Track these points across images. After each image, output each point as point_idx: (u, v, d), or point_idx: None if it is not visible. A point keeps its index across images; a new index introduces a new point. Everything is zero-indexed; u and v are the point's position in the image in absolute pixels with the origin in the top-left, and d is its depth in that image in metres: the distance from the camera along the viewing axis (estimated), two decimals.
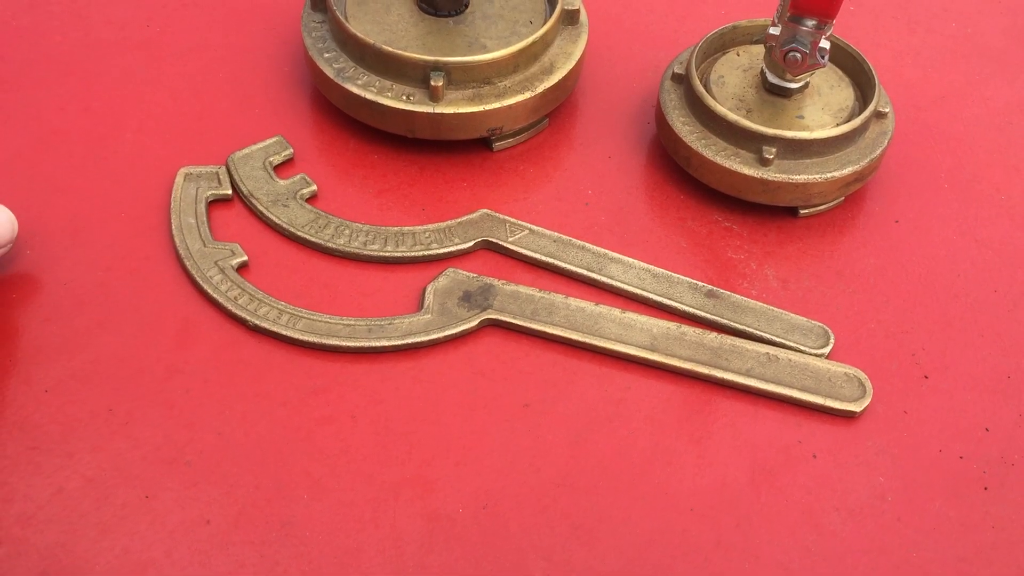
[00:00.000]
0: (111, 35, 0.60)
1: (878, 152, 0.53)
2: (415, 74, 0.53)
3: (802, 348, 0.48)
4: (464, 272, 0.50)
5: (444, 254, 0.51)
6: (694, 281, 0.51)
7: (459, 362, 0.48)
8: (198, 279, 0.48)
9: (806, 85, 0.54)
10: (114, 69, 0.58)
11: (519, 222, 0.52)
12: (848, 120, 0.54)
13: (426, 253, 0.51)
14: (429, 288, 0.49)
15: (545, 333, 0.48)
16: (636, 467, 0.45)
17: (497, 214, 0.53)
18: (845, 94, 0.55)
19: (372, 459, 0.44)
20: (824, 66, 0.51)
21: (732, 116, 0.52)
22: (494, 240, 0.52)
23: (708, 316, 0.49)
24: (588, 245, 0.52)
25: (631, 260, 0.52)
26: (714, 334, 0.49)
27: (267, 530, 0.41)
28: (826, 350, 0.48)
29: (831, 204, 0.55)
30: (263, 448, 0.44)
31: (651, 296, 0.50)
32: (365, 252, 0.51)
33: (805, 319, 0.50)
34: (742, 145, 0.53)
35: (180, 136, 0.55)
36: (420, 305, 0.49)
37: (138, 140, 0.55)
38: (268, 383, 0.46)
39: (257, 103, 0.58)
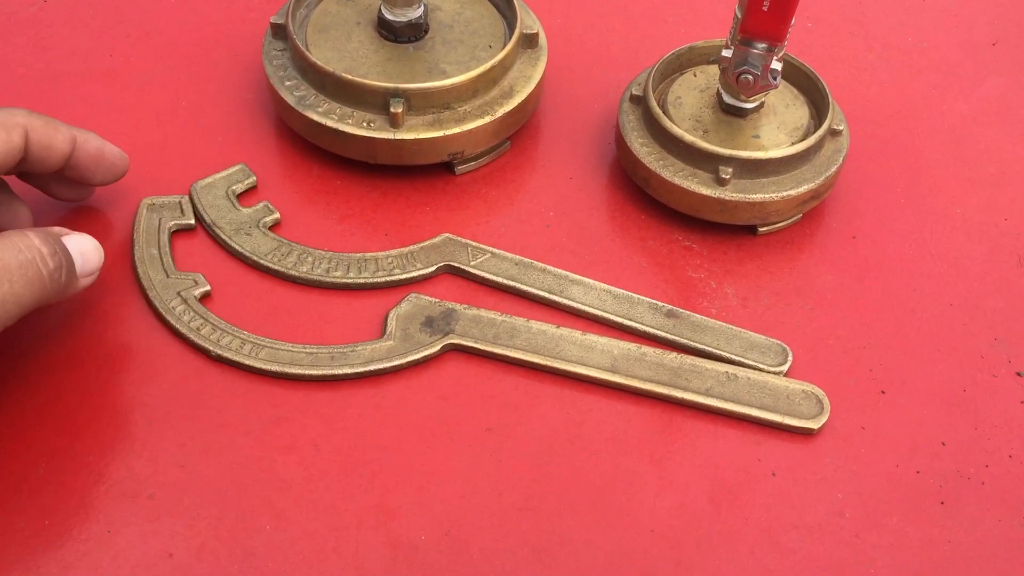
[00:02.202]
0: (74, 66, 0.60)
1: (833, 169, 0.54)
2: (375, 101, 0.54)
3: (761, 366, 0.49)
4: (426, 297, 0.50)
5: (407, 279, 0.52)
6: (654, 301, 0.51)
7: (422, 388, 0.48)
8: (161, 310, 0.49)
9: (761, 105, 0.55)
10: (78, 100, 0.59)
11: (481, 246, 0.53)
12: (803, 139, 0.54)
13: (388, 279, 0.51)
14: (391, 314, 0.50)
15: (507, 357, 0.49)
16: (597, 489, 0.45)
17: (459, 238, 0.53)
18: (800, 112, 0.56)
19: (335, 488, 0.44)
20: (777, 87, 0.52)
21: (689, 137, 0.53)
22: (456, 264, 0.52)
23: (668, 336, 0.50)
24: (549, 268, 0.52)
25: (592, 282, 0.52)
26: (674, 354, 0.49)
27: (230, 562, 0.42)
28: (784, 368, 0.49)
29: (789, 221, 0.55)
30: (226, 479, 0.44)
31: (612, 317, 0.51)
32: (328, 279, 0.51)
33: (764, 337, 0.50)
34: (699, 165, 0.53)
35: (143, 166, 0.55)
36: (383, 331, 0.49)
37: None
38: (231, 413, 0.46)
39: (220, 131, 0.58)
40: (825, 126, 0.54)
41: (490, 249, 0.53)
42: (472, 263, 0.52)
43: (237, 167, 0.55)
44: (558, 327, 0.50)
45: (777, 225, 0.55)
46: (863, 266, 0.54)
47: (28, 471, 0.44)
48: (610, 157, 0.59)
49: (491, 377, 0.49)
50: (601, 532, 0.43)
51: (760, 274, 0.54)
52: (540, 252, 0.53)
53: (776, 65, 0.51)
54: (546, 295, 0.51)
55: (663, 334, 0.50)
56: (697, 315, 0.51)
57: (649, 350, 0.49)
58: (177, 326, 0.48)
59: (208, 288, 0.50)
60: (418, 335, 0.49)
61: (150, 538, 0.42)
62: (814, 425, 0.47)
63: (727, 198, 0.53)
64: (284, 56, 0.57)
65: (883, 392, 0.49)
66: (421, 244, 0.53)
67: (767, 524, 0.44)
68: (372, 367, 0.48)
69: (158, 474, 0.44)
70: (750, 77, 0.51)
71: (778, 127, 0.55)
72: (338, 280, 0.51)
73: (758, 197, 0.53)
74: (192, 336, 0.48)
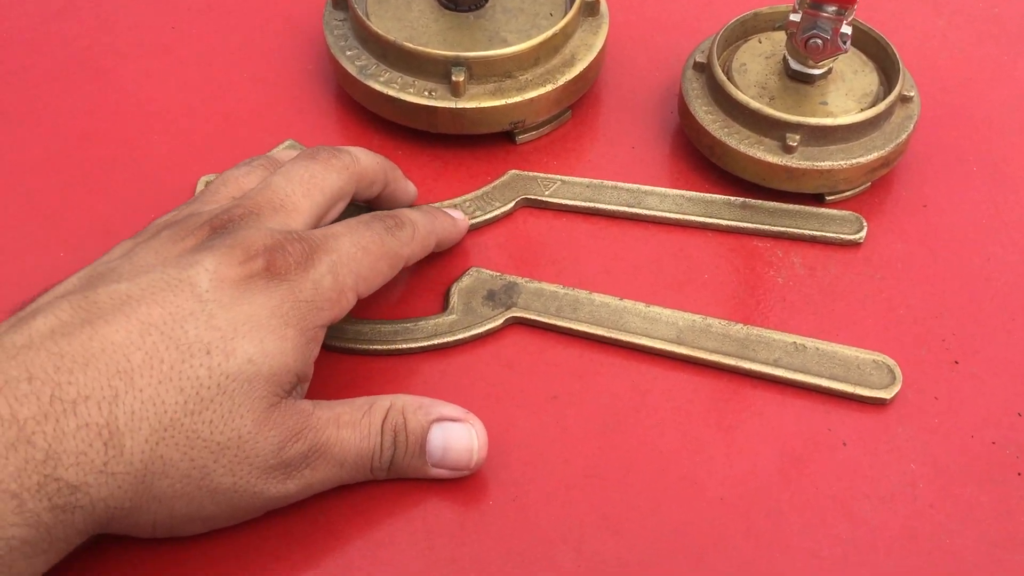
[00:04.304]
0: (135, 39, 0.61)
1: (904, 137, 0.53)
2: (436, 70, 0.54)
3: (841, 236, 0.52)
4: (487, 271, 0.50)
5: (490, 219, 0.53)
6: (729, 197, 0.53)
7: (486, 358, 0.48)
8: None
9: (829, 71, 0.54)
10: (139, 74, 0.59)
11: (550, 176, 0.54)
12: (872, 105, 0.53)
13: (473, 222, 0.52)
14: (453, 288, 0.49)
15: (570, 329, 0.48)
16: (664, 457, 0.45)
17: (526, 172, 0.54)
18: (869, 79, 0.55)
19: None
20: (846, 52, 0.51)
21: (755, 104, 0.52)
22: (532, 196, 0.53)
23: (748, 226, 0.52)
24: (621, 184, 0.54)
25: (666, 189, 0.54)
26: (740, 325, 0.48)
27: (299, 526, 0.42)
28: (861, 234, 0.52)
29: (858, 190, 0.54)
30: None
31: (691, 218, 0.53)
32: None
33: (841, 212, 0.53)
34: (766, 133, 0.52)
35: (202, 140, 0.56)
36: (445, 306, 0.49)
37: (165, 143, 0.56)
38: None
39: (280, 103, 0.58)
40: (895, 92, 0.53)
41: (559, 177, 0.54)
42: (546, 193, 0.53)
43: (286, 143, 0.55)
44: (621, 299, 0.49)
45: (845, 194, 0.54)
46: (933, 235, 0.53)
47: None
48: (672, 126, 0.58)
49: (554, 348, 0.48)
50: (670, 500, 0.43)
51: (826, 243, 0.53)
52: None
53: (846, 29, 0.50)
54: (624, 209, 0.53)
55: (743, 224, 0.52)
56: (771, 202, 0.53)
57: (715, 321, 0.49)
58: None
59: None
60: (481, 308, 0.49)
61: None
62: (886, 395, 0.46)
63: (794, 165, 0.52)
64: (344, 26, 0.57)
65: (956, 362, 0.48)
66: (492, 184, 0.53)
67: (838, 494, 0.44)
68: (436, 341, 0.48)
69: None
70: (819, 42, 0.50)
71: (846, 93, 0.54)
72: None
73: (826, 164, 0.52)
74: None
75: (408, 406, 0.42)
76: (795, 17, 0.50)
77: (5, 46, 0.60)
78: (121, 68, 0.59)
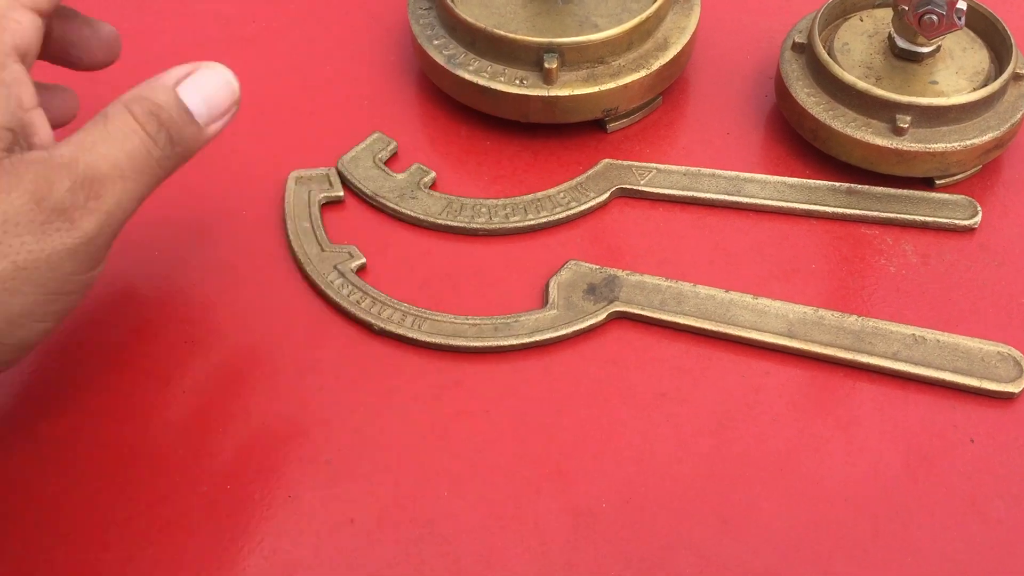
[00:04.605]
0: (217, 32, 0.60)
1: (1019, 116, 0.50)
2: (528, 57, 0.52)
3: (954, 222, 0.50)
4: (587, 264, 0.49)
5: (585, 210, 0.51)
6: (833, 183, 0.51)
7: (590, 354, 0.46)
8: (320, 284, 0.48)
9: (938, 49, 0.52)
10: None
11: (644, 164, 0.52)
12: (984, 84, 0.51)
13: (568, 213, 0.51)
14: (552, 282, 0.48)
15: (676, 323, 0.47)
16: (782, 456, 0.43)
17: (620, 161, 0.53)
18: (979, 56, 0.52)
19: (509, 454, 0.43)
20: (961, 28, 0.48)
21: (862, 84, 0.50)
22: (627, 186, 0.52)
23: (855, 212, 0.50)
24: (719, 171, 0.52)
25: (766, 176, 0.52)
26: (855, 317, 0.47)
27: (411, 528, 0.41)
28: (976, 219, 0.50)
29: (968, 173, 0.52)
30: (400, 445, 0.44)
31: (795, 206, 0.51)
32: (509, 225, 0.50)
33: (953, 196, 0.51)
34: (873, 114, 0.50)
35: (288, 135, 0.55)
36: (544, 300, 0.48)
37: (252, 136, 0.55)
38: (398, 380, 0.46)
39: (364, 95, 0.57)
40: (1009, 70, 0.50)
41: (654, 166, 0.52)
42: (642, 182, 0.51)
43: (374, 135, 0.54)
44: (727, 291, 0.48)
45: (956, 177, 0.52)
46: None
47: (206, 436, 0.44)
48: (767, 110, 0.56)
49: (659, 343, 0.47)
50: (791, 501, 0.42)
51: (938, 229, 0.50)
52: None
53: (961, 4, 0.48)
54: (723, 197, 0.51)
55: (849, 211, 0.50)
56: (878, 187, 0.51)
57: (827, 313, 0.47)
58: (337, 300, 0.48)
59: (363, 261, 0.49)
60: (582, 303, 0.47)
61: (330, 503, 0.42)
62: (1014, 389, 0.44)
63: (905, 148, 0.49)
64: (430, 15, 0.55)
65: None
66: (586, 174, 0.52)
67: (968, 493, 0.42)
68: (538, 337, 0.46)
69: (333, 439, 0.44)
70: (934, 17, 0.47)
71: (956, 72, 0.52)
72: (518, 224, 0.50)
73: (939, 147, 0.49)
74: (353, 310, 0.47)
75: (142, 92, 0.39)
76: None
77: None
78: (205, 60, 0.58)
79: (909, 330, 0.46)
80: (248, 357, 0.46)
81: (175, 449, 0.43)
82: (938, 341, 0.46)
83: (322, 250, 0.49)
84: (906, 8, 0.48)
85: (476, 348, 0.46)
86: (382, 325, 0.47)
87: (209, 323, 0.47)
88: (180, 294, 0.48)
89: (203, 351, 0.46)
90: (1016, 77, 0.51)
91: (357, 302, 0.48)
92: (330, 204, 0.52)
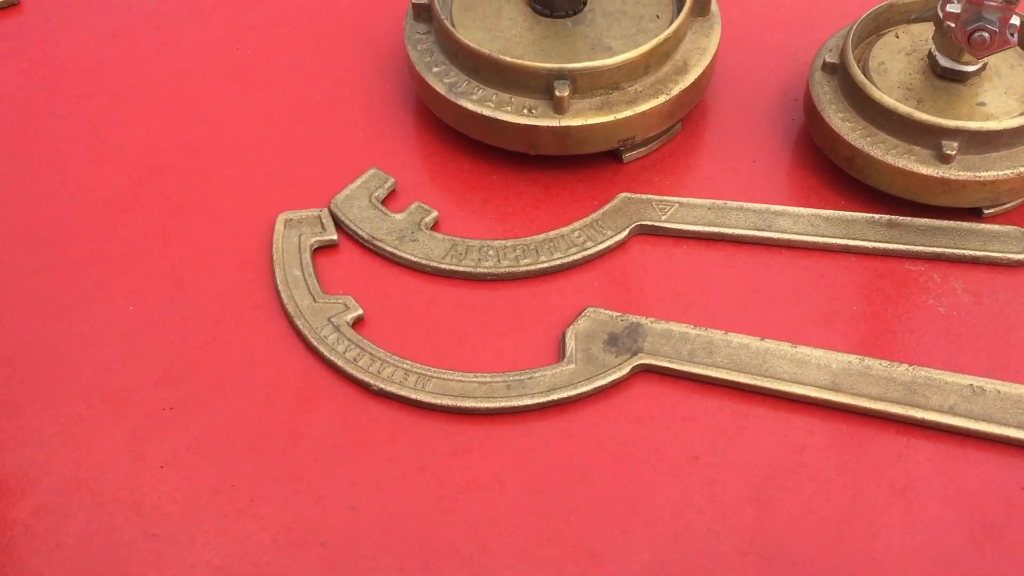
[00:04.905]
0: (199, 63, 0.56)
1: None
2: (536, 84, 0.48)
3: (1003, 254, 0.45)
4: (606, 311, 0.44)
5: (603, 250, 0.47)
6: (871, 215, 0.47)
7: (612, 413, 0.42)
8: (312, 339, 0.44)
9: (984, 67, 0.47)
10: (205, 100, 0.54)
11: (665, 198, 0.48)
12: None
13: (584, 254, 0.47)
14: (569, 332, 0.44)
15: (707, 377, 0.42)
16: (833, 528, 0.38)
17: (638, 195, 0.48)
18: None
19: (527, 529, 0.39)
20: (1014, 45, 0.44)
21: (904, 108, 0.46)
22: (647, 222, 0.47)
23: (898, 247, 0.46)
24: (747, 204, 0.48)
25: (798, 209, 0.48)
26: (905, 366, 0.42)
27: None
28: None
29: (1019, 201, 0.48)
30: (403, 522, 0.39)
31: (831, 241, 0.47)
32: (520, 269, 0.46)
33: (1004, 227, 0.47)
34: (916, 140, 0.46)
35: (277, 173, 0.51)
36: (561, 353, 0.43)
37: (237, 176, 0.50)
38: (401, 447, 0.41)
39: (358, 128, 0.53)
40: None
41: (676, 199, 0.48)
42: (663, 217, 0.47)
43: (370, 172, 0.49)
44: (762, 339, 0.43)
45: (1006, 206, 0.47)
46: None
47: (189, 516, 0.39)
48: (795, 135, 0.52)
49: (689, 398, 0.43)
50: None
51: (990, 264, 0.46)
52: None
53: (1015, 20, 0.43)
54: (753, 233, 0.47)
55: (891, 246, 0.46)
56: (922, 219, 0.47)
57: (874, 362, 0.42)
58: (331, 357, 0.43)
59: (360, 312, 0.45)
60: (602, 355, 0.43)
61: None
62: None
63: (953, 177, 0.45)
64: (429, 40, 0.51)
65: None
66: (601, 210, 0.48)
67: None
68: (555, 396, 0.42)
69: (329, 517, 0.39)
70: (986, 35, 0.43)
71: (1005, 92, 0.47)
72: (531, 268, 0.46)
73: (990, 175, 0.45)
74: (349, 368, 0.43)
75: None
76: (954, 8, 0.44)
77: (60, 75, 0.55)
78: (185, 95, 0.54)
79: (966, 380, 0.42)
80: (233, 425, 0.42)
81: (152, 536, 0.39)
82: (998, 392, 0.41)
83: (314, 301, 0.45)
84: (952, 25, 0.44)
85: (486, 409, 0.42)
86: (381, 385, 0.42)
87: (189, 386, 0.43)
88: (156, 354, 0.44)
89: (182, 419, 0.42)
90: None
91: (354, 359, 0.43)
92: (323, 249, 0.47)
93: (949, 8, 0.44)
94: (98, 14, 0.58)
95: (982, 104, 0.47)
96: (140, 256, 0.47)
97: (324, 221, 0.48)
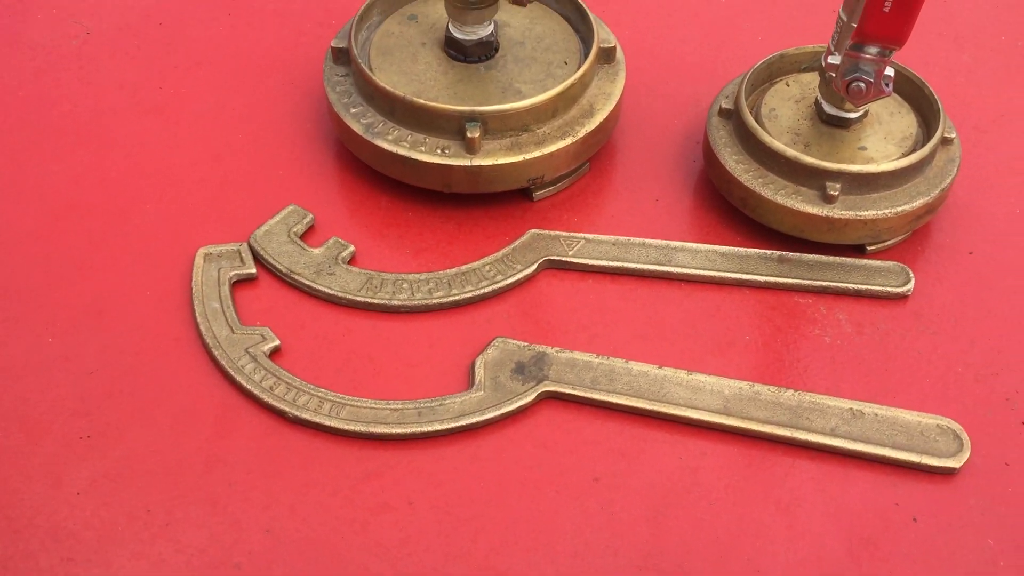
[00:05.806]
0: (122, 101, 0.57)
1: (948, 181, 0.50)
2: (449, 126, 0.50)
3: (887, 288, 0.49)
4: (514, 341, 0.46)
5: (513, 283, 0.49)
6: (763, 251, 0.50)
7: (518, 438, 0.44)
8: (229, 369, 0.45)
9: (866, 114, 0.51)
10: (127, 137, 0.55)
11: (573, 234, 0.51)
12: (913, 149, 0.50)
13: (495, 287, 0.49)
14: (478, 361, 0.46)
15: (609, 403, 0.45)
16: (722, 543, 0.41)
17: (547, 231, 0.51)
18: (907, 121, 0.52)
19: (435, 549, 0.41)
20: (889, 94, 0.48)
21: (791, 152, 0.49)
22: (555, 257, 0.50)
23: (788, 281, 0.49)
24: (649, 240, 0.51)
25: (696, 245, 0.51)
26: (791, 391, 0.45)
27: None
28: (908, 287, 0.49)
29: (899, 239, 0.51)
30: (316, 544, 0.40)
31: (726, 275, 0.50)
32: (432, 302, 0.48)
33: (885, 263, 0.50)
34: (803, 182, 0.49)
35: (198, 208, 0.52)
36: (470, 381, 0.45)
37: (158, 212, 0.52)
38: (315, 472, 0.43)
39: (278, 166, 0.54)
40: (938, 134, 0.50)
41: (583, 236, 0.51)
42: (570, 253, 0.50)
43: (289, 208, 0.51)
44: (660, 367, 0.46)
45: (887, 243, 0.51)
46: (984, 283, 0.50)
47: (105, 540, 0.40)
48: (695, 176, 0.55)
49: (591, 423, 0.45)
50: None
51: (872, 297, 0.49)
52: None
53: (889, 71, 0.47)
54: (654, 267, 0.50)
55: (782, 280, 0.49)
56: (809, 255, 0.50)
57: (763, 388, 0.45)
58: (248, 386, 0.44)
59: (277, 343, 0.46)
60: (510, 383, 0.45)
61: None
62: (955, 463, 0.43)
63: (836, 216, 0.49)
64: (347, 82, 0.53)
65: None
66: (512, 245, 0.50)
67: None
68: (464, 421, 0.44)
69: (244, 540, 0.40)
70: (863, 85, 0.47)
71: (885, 137, 0.51)
72: (443, 300, 0.48)
73: (869, 214, 0.49)
74: (265, 396, 0.44)
75: None
76: (834, 60, 0.47)
77: None
78: (107, 132, 0.55)
79: (847, 404, 0.45)
80: (150, 452, 0.43)
81: (68, 560, 0.39)
82: (876, 415, 0.44)
83: (232, 332, 0.46)
84: (833, 75, 0.48)
85: (398, 435, 0.44)
86: (297, 412, 0.44)
87: (107, 415, 0.44)
88: (74, 384, 0.45)
89: (100, 447, 0.43)
90: (944, 141, 0.51)
91: (270, 388, 0.45)
92: (242, 282, 0.49)
93: (831, 60, 0.48)
94: (21, 51, 0.59)
95: (863, 148, 0.51)
96: (59, 288, 0.48)
97: (243, 255, 0.49)
